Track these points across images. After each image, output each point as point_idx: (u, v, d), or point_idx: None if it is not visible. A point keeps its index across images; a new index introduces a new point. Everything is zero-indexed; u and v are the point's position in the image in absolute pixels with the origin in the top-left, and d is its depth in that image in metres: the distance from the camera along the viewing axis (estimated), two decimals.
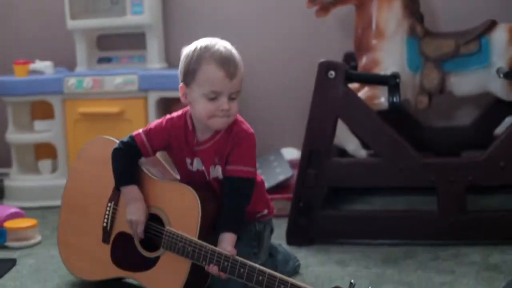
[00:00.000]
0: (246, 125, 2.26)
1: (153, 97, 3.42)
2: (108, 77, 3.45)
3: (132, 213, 2.24)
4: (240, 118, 2.27)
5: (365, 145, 3.15)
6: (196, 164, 2.28)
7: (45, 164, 3.61)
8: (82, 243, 2.39)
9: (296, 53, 3.68)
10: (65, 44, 3.76)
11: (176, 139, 2.27)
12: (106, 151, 2.33)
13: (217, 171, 2.26)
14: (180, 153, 2.29)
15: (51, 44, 3.84)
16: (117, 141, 2.33)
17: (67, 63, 3.72)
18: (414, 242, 2.70)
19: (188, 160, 2.29)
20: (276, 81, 3.72)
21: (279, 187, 3.23)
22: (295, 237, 2.76)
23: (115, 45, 3.81)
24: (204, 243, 2.12)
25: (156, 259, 2.23)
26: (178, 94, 2.23)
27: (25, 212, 3.07)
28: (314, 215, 2.74)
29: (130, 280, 2.35)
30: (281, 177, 3.26)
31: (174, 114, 2.30)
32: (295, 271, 2.47)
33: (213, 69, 2.12)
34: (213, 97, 2.14)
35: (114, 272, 2.32)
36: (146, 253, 2.26)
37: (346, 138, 3.14)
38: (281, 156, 3.48)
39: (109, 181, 2.34)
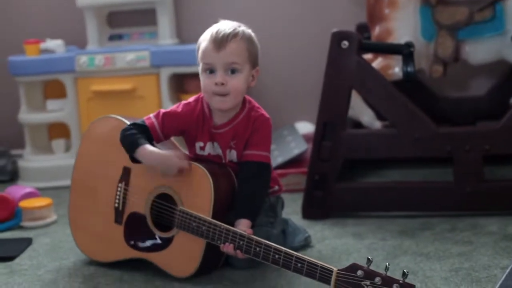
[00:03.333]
0: (263, 110, 2.29)
1: (165, 73, 3.39)
2: (120, 54, 3.43)
3: (169, 167, 2.19)
4: (256, 104, 2.30)
5: (380, 117, 3.13)
6: (209, 149, 2.28)
7: (58, 143, 3.61)
8: (95, 225, 2.38)
9: (309, 26, 3.65)
10: (76, 22, 3.74)
11: (191, 124, 2.27)
12: (113, 130, 2.31)
13: (232, 155, 2.28)
14: (193, 138, 2.29)
15: (61, 22, 3.81)
16: (124, 120, 2.32)
17: (78, 41, 3.70)
18: (430, 213, 2.67)
19: (200, 144, 2.28)
20: (288, 55, 3.69)
21: (294, 162, 3.22)
22: (311, 210, 2.74)
23: (126, 21, 3.79)
24: (219, 223, 2.11)
25: (171, 239, 2.21)
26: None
27: (40, 192, 3.07)
28: (330, 187, 2.72)
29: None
30: (295, 152, 3.24)
31: (191, 99, 2.31)
32: (305, 242, 2.45)
33: (205, 42, 2.19)
34: (208, 69, 2.19)
35: (129, 253, 2.30)
36: (159, 233, 2.24)
37: (361, 110, 3.13)
38: (295, 130, 3.45)
39: (118, 162, 2.32)
